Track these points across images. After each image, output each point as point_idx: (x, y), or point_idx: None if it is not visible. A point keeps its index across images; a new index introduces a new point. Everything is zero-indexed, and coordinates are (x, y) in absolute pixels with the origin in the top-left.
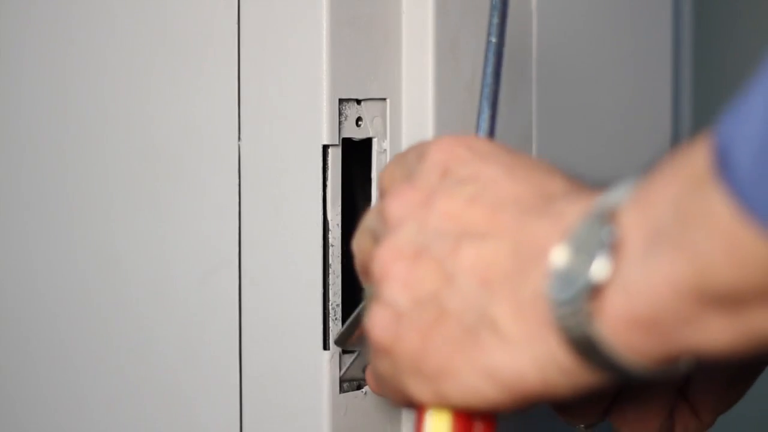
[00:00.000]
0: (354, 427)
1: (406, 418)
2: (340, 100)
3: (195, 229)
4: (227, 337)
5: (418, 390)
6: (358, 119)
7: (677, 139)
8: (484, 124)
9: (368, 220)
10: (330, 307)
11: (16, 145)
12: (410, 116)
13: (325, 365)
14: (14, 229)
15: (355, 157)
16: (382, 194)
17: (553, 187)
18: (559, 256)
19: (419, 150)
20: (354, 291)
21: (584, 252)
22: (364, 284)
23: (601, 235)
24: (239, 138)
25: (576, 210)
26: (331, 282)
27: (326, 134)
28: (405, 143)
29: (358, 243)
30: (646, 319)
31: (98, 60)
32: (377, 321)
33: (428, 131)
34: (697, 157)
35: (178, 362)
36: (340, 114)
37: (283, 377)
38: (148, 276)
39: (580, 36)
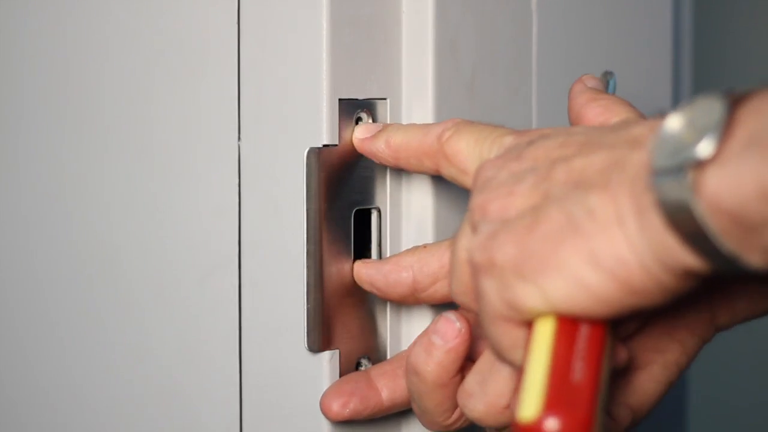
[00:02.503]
0: (354, 427)
1: (406, 419)
2: (340, 100)
3: (195, 229)
4: (227, 337)
5: (524, 295)
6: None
7: None
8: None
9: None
10: None
11: (16, 144)
12: (410, 116)
13: (325, 365)
14: (13, 229)
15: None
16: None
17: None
18: (672, 122)
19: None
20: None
21: (697, 125)
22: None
23: (718, 114)
24: (239, 138)
25: (674, 115)
26: None
27: (326, 134)
28: None
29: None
30: (733, 213)
31: (98, 60)
32: (474, 245)
33: None
34: None
35: (178, 362)
36: (340, 114)
37: (283, 377)
38: (148, 276)
39: (580, 36)
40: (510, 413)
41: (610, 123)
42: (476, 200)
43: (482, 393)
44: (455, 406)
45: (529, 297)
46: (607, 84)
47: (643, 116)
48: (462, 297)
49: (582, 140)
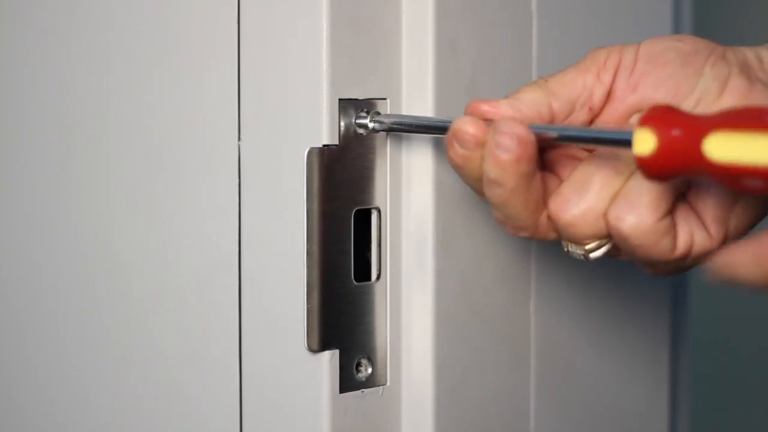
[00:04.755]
0: (354, 427)
1: (406, 418)
2: (340, 100)
3: (195, 229)
4: (227, 337)
5: None
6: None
7: None
8: None
9: None
10: None
11: (16, 144)
12: None
13: (325, 365)
14: (14, 229)
15: None
16: None
17: None
18: None
19: None
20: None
21: None
22: None
23: None
24: (239, 138)
25: None
26: None
27: (326, 134)
28: (405, 143)
29: None
30: None
31: (98, 60)
32: None
33: None
34: None
35: (178, 362)
36: (340, 114)
37: (283, 377)
38: (149, 276)
39: (580, 37)
40: (604, 222)
41: None
42: None
43: (580, 198)
44: (540, 208)
45: None
46: None
47: None
48: None
49: None
